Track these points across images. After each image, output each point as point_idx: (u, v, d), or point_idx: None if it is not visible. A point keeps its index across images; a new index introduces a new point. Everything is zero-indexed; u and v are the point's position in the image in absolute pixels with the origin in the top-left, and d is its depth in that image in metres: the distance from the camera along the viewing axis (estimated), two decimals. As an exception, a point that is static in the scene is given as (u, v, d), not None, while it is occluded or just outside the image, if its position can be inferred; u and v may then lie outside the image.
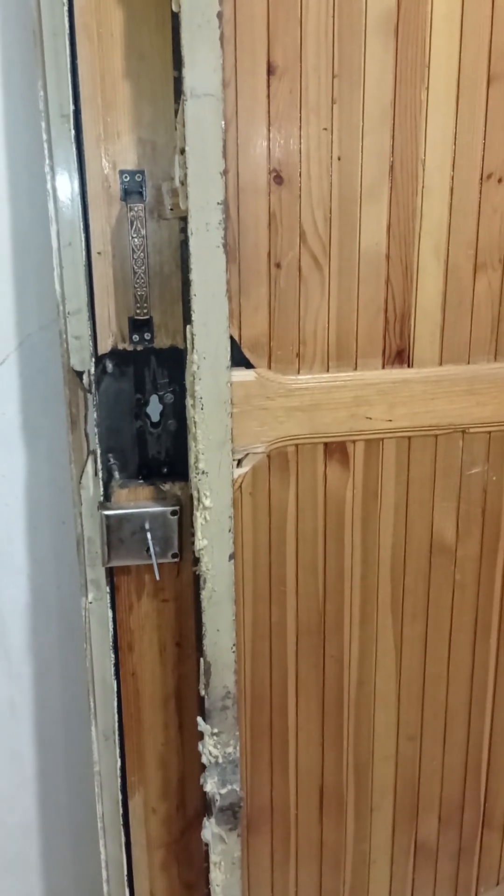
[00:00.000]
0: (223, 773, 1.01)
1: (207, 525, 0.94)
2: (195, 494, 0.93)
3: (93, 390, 0.97)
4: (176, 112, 0.89)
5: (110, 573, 1.03)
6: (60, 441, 1.10)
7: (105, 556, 1.00)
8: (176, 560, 1.03)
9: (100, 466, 0.99)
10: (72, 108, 0.89)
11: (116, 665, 1.06)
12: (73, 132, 0.89)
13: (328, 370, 1.00)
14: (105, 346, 0.96)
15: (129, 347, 0.97)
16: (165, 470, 1.03)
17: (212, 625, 0.97)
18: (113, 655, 1.06)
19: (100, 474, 0.99)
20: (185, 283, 0.89)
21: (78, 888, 1.33)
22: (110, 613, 1.04)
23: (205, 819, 1.04)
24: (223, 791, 1.02)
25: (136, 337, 0.97)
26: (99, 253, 0.93)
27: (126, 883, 1.15)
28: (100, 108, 0.90)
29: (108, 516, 0.99)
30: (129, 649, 1.07)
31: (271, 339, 0.98)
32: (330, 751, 1.16)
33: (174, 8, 0.81)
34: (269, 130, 0.91)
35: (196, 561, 0.96)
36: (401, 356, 1.02)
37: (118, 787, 1.11)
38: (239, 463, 1.00)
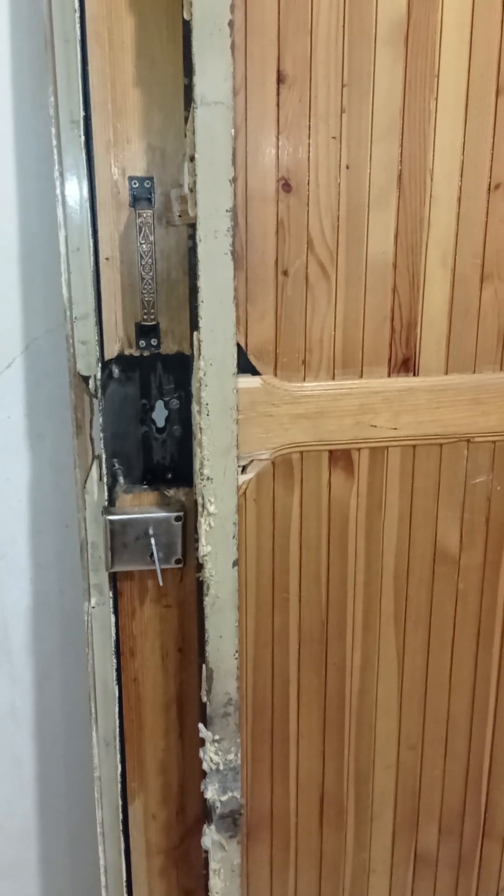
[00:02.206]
0: (224, 780, 1.01)
1: (212, 531, 0.94)
2: (200, 500, 0.93)
3: (98, 395, 0.97)
4: (186, 119, 0.89)
5: (113, 578, 1.03)
6: (65, 445, 1.10)
7: (108, 561, 1.00)
8: (179, 566, 1.03)
9: (104, 471, 0.99)
10: (82, 114, 0.89)
11: (118, 670, 1.06)
12: (82, 138, 0.90)
13: (334, 378, 1.01)
14: (111, 352, 0.97)
15: (136, 353, 0.97)
16: (170, 475, 1.03)
17: (214, 631, 0.96)
18: (115, 660, 1.06)
19: (104, 479, 0.99)
20: (193, 290, 0.89)
21: (76, 894, 1.32)
22: (113, 618, 1.04)
23: (205, 826, 1.03)
24: (224, 798, 1.01)
25: (142, 342, 0.97)
26: (107, 258, 0.94)
27: (125, 889, 1.14)
28: (110, 115, 0.90)
29: (112, 521, 0.99)
30: (131, 655, 1.07)
31: (277, 347, 0.98)
32: (331, 759, 1.15)
33: (186, 16, 0.81)
34: (278, 138, 0.92)
35: (199, 567, 0.96)
36: (407, 365, 1.02)
37: (118, 793, 1.10)
38: (243, 469, 1.00)
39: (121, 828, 1.12)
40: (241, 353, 0.96)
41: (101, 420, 0.98)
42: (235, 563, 0.95)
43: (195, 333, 0.89)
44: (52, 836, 1.29)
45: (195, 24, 0.79)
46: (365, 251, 0.97)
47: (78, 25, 0.87)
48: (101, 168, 0.91)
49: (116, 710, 1.07)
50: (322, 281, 0.97)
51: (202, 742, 1.01)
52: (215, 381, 0.90)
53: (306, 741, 1.14)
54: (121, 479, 1.01)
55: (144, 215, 0.91)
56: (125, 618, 1.05)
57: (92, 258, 0.93)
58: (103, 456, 0.99)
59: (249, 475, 1.01)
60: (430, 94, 0.93)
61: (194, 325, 0.89)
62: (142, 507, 1.01)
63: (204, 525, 0.94)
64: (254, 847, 1.17)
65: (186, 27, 0.81)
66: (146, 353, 0.98)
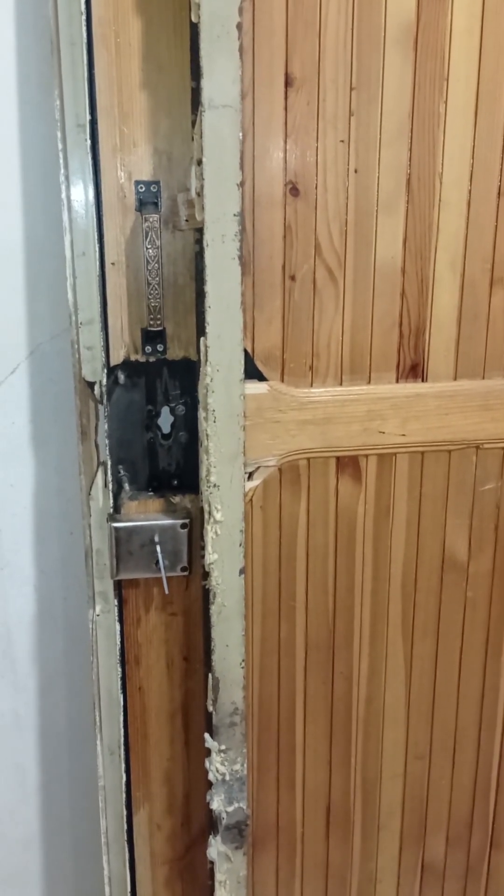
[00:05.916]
0: (230, 791, 1.00)
1: (218, 539, 0.93)
2: (206, 508, 0.92)
3: (104, 401, 0.96)
4: (193, 123, 0.88)
5: (118, 586, 1.02)
6: (70, 452, 1.09)
7: (113, 569, 0.99)
8: (185, 574, 1.02)
9: (110, 478, 0.98)
10: (88, 117, 0.88)
11: (123, 679, 1.05)
12: (88, 142, 0.89)
13: (341, 384, 1.00)
14: (117, 357, 0.96)
15: (142, 358, 0.96)
16: (176, 482, 1.02)
17: (221, 640, 0.95)
18: (120, 669, 1.05)
19: (109, 486, 0.98)
20: (200, 295, 0.88)
21: (80, 904, 1.31)
22: (118, 626, 1.03)
23: (210, 837, 1.02)
24: (230, 809, 1.00)
25: (148, 348, 0.96)
26: (113, 263, 0.93)
27: (129, 900, 1.13)
28: (116, 118, 0.89)
29: (117, 528, 0.98)
30: (136, 663, 1.06)
31: (284, 352, 0.97)
32: (337, 769, 1.14)
33: (193, 19, 0.80)
34: (285, 142, 0.91)
35: (206, 575, 0.95)
36: (415, 370, 1.01)
37: (123, 803, 1.09)
38: (250, 476, 0.99)
39: (125, 838, 1.11)
40: (248, 359, 0.95)
41: (106, 426, 0.97)
42: (242, 572, 0.94)
43: (202, 339, 0.88)
44: (55, 846, 1.27)
45: (203, 26, 0.79)
46: (373, 256, 0.96)
47: (84, 28, 0.86)
48: (107, 172, 0.90)
49: (121, 718, 1.06)
50: (330, 286, 0.96)
51: (208, 752, 1.00)
52: (222, 387, 0.89)
53: (313, 751, 1.12)
54: (126, 486, 1.00)
55: (151, 220, 0.90)
56: (130, 626, 1.04)
57: (98, 263, 0.92)
58: (108, 462, 0.98)
59: (256, 482, 1.00)
60: (439, 98, 0.92)
61: (201, 331, 0.88)
62: (147, 514, 1.00)
63: (210, 532, 0.93)
64: (260, 857, 1.16)
65: (194, 30, 0.80)
66: (152, 359, 0.97)
